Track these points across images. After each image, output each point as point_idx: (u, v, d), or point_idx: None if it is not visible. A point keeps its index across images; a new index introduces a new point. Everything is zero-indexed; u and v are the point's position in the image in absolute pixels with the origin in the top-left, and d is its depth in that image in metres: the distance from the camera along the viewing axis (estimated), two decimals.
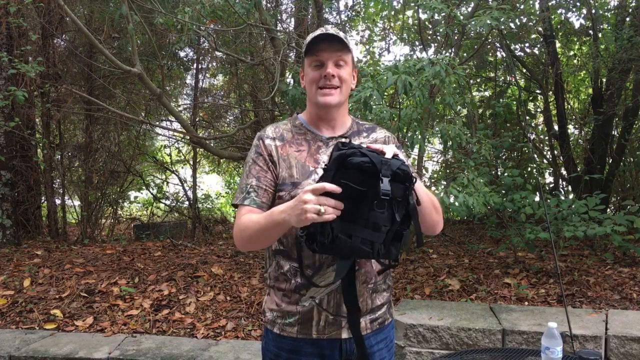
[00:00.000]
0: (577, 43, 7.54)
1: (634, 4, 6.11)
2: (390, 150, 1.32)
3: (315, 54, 1.53)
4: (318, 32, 1.55)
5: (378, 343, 1.60)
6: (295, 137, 1.60)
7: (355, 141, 1.61)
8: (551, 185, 7.48)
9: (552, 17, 6.69)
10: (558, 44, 7.28)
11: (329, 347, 1.54)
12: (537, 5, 6.77)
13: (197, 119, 8.00)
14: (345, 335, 1.53)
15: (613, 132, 6.84)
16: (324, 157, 1.56)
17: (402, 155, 1.56)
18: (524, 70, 7.55)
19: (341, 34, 1.55)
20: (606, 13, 6.68)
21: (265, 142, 1.58)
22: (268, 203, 1.54)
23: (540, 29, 6.74)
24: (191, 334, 3.81)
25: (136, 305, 4.22)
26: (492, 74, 7.80)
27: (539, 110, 7.87)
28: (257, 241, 1.48)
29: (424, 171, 7.16)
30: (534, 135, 7.83)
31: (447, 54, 5.18)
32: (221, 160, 9.21)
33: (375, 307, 1.59)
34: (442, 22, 5.36)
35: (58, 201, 7.32)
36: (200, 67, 8.20)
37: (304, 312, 1.53)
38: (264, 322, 1.63)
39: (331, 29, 1.55)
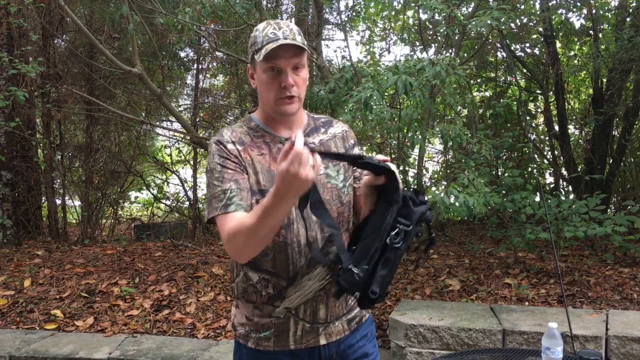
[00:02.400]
0: (578, 43, 7.54)
1: (634, 4, 6.11)
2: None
3: (272, 61, 1.38)
4: (271, 32, 1.38)
5: (358, 341, 1.56)
6: (254, 140, 1.48)
7: (315, 138, 1.53)
8: (552, 186, 7.47)
9: (553, 17, 6.69)
10: (558, 44, 7.28)
11: (308, 355, 1.49)
12: (537, 6, 6.77)
13: (197, 119, 8.01)
14: (323, 341, 1.49)
15: (613, 133, 6.84)
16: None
17: (357, 151, 1.62)
18: (525, 71, 7.55)
19: (297, 34, 1.40)
20: (606, 13, 6.68)
21: (227, 147, 1.45)
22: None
23: (540, 29, 6.74)
24: (191, 334, 3.81)
25: (136, 306, 4.23)
26: (492, 74, 7.80)
27: (539, 110, 7.87)
28: (256, 242, 1.31)
29: (424, 171, 7.16)
30: (534, 136, 7.82)
31: (448, 54, 5.18)
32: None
33: (349, 307, 1.55)
34: (443, 22, 5.36)
35: (58, 201, 7.32)
36: (200, 67, 8.21)
37: (279, 324, 1.46)
38: (236, 336, 1.54)
39: (286, 29, 1.39)
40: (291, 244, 1.42)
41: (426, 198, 1.31)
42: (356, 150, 1.60)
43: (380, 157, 1.29)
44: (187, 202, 8.60)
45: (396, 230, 1.25)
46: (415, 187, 1.38)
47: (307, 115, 1.59)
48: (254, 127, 1.51)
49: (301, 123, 1.54)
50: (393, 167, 1.28)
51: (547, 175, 7.89)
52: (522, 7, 6.13)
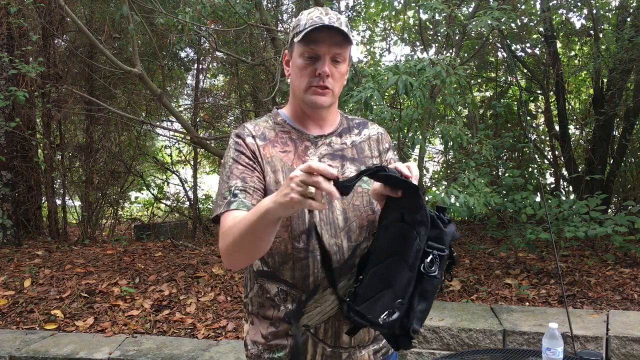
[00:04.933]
0: (578, 43, 7.53)
1: (634, 4, 6.11)
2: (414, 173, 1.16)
3: (311, 45, 1.27)
4: (316, 15, 1.29)
5: None
6: (279, 135, 1.36)
7: (347, 139, 1.40)
8: (552, 186, 7.47)
9: (553, 17, 6.69)
10: (559, 44, 7.28)
11: None
12: (538, 6, 6.77)
13: (197, 120, 8.01)
14: None
15: (614, 133, 6.84)
16: (313, 159, 1.34)
17: (391, 155, 1.47)
18: (525, 71, 7.55)
19: (344, 24, 1.29)
20: (607, 13, 6.69)
21: (246, 140, 1.34)
22: None
23: (541, 29, 6.74)
24: (192, 335, 3.81)
25: (137, 306, 4.22)
26: (493, 74, 7.80)
27: (539, 110, 7.87)
28: (243, 245, 1.16)
29: (424, 171, 7.16)
30: (534, 136, 7.83)
31: (448, 54, 5.18)
32: (222, 161, 9.20)
33: (378, 335, 1.38)
34: (443, 22, 5.36)
35: (59, 201, 7.32)
36: (200, 67, 8.21)
37: (294, 344, 1.29)
38: (247, 356, 1.39)
39: (333, 16, 1.29)
40: (312, 252, 1.27)
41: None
42: (390, 155, 1.46)
43: (402, 168, 1.14)
44: (187, 202, 8.60)
45: (430, 257, 1.08)
46: (437, 204, 1.19)
47: (340, 114, 1.46)
48: (280, 122, 1.39)
49: (333, 121, 1.42)
50: (415, 182, 1.14)
51: (547, 176, 7.90)
52: (523, 7, 6.13)
